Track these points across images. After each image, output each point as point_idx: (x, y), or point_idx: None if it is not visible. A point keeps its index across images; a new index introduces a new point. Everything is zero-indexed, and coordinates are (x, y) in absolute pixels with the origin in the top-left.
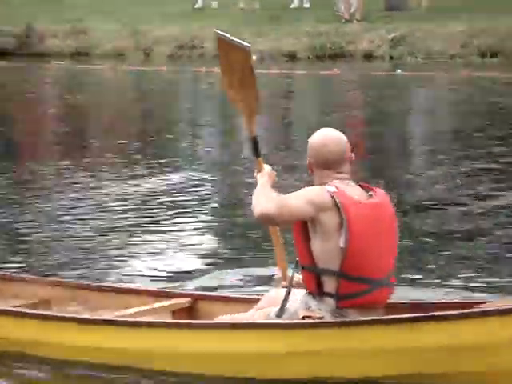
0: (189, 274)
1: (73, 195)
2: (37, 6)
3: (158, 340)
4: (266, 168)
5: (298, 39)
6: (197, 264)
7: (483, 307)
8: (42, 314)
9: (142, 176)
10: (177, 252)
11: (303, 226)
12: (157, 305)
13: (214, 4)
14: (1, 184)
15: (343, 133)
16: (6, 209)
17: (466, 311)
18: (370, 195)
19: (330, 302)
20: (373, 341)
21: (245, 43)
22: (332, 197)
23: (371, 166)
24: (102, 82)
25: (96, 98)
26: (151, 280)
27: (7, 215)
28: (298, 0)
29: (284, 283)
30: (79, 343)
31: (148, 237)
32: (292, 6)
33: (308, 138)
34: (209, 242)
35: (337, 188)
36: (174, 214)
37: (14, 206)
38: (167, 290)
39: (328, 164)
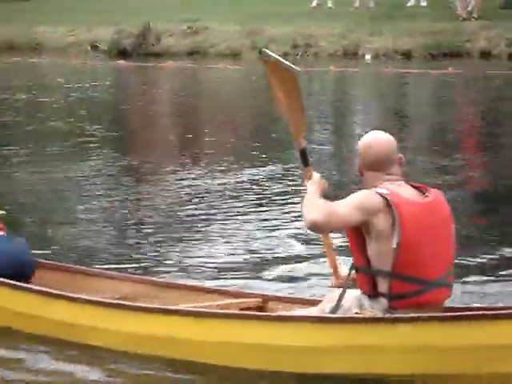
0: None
1: (184, 188)
2: (154, 7)
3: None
4: (315, 176)
5: (414, 37)
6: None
7: None
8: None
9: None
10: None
11: (357, 229)
12: (226, 302)
13: (330, 3)
14: (120, 174)
15: (454, 131)
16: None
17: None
18: (425, 195)
19: (383, 301)
20: (418, 337)
21: (294, 67)
22: (384, 198)
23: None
24: (216, 80)
25: (212, 96)
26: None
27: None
28: None
29: (335, 282)
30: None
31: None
32: (409, 4)
33: (419, 135)
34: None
35: (388, 189)
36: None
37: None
38: (237, 290)
39: (376, 165)
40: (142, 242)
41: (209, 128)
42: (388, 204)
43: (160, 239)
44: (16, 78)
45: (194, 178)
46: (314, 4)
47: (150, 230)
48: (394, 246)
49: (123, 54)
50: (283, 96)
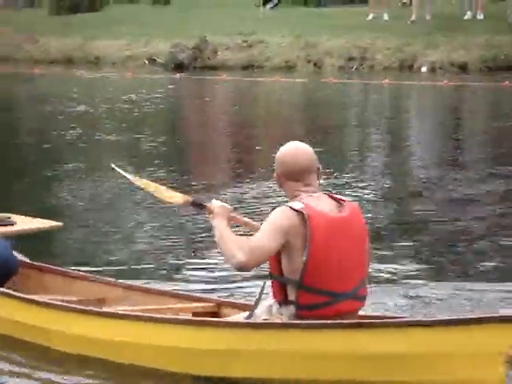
0: None
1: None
2: (210, 20)
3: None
4: (216, 205)
5: (470, 50)
6: None
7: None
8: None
9: None
10: None
11: None
12: (179, 306)
13: (386, 16)
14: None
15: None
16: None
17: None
18: (341, 208)
19: (292, 308)
20: (286, 344)
21: (132, 179)
22: (299, 212)
23: None
24: (272, 93)
25: (267, 109)
26: None
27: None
28: (472, 12)
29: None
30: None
31: None
32: (465, 17)
33: (477, 147)
34: None
35: (304, 203)
36: None
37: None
38: (192, 295)
39: (295, 175)
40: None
41: (266, 141)
42: (303, 218)
43: None
44: (74, 91)
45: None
46: (370, 17)
47: None
48: (304, 258)
49: (180, 67)
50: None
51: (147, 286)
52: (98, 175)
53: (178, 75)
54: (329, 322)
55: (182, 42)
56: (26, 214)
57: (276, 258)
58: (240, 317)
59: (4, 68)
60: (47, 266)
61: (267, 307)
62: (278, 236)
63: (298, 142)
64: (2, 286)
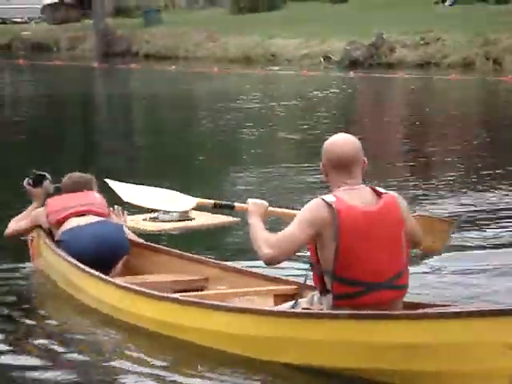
0: None
1: None
2: (386, 17)
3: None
4: (250, 203)
5: None
6: None
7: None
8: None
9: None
10: None
11: None
12: (262, 288)
13: None
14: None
15: None
16: None
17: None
18: (377, 200)
19: (329, 298)
20: (337, 334)
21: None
22: (329, 205)
23: None
24: (450, 91)
25: (446, 107)
26: None
27: None
28: None
29: None
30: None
31: None
32: None
33: None
34: None
35: (336, 196)
36: None
37: None
38: (274, 276)
39: (341, 165)
40: None
41: (443, 141)
42: (333, 211)
43: None
44: (252, 88)
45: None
46: None
47: None
48: (334, 250)
49: (355, 64)
50: None
51: (240, 267)
52: (270, 170)
53: (351, 73)
54: (357, 312)
55: (358, 39)
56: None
57: (314, 248)
58: (287, 305)
59: (185, 66)
60: (156, 245)
61: (310, 297)
62: (306, 227)
63: (343, 133)
64: (116, 264)
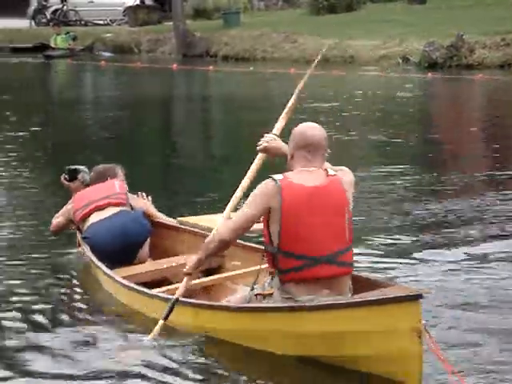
0: None
1: None
2: (466, 19)
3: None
4: (268, 138)
5: None
6: None
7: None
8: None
9: None
10: None
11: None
12: None
13: None
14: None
15: None
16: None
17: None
18: (324, 180)
19: (277, 280)
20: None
21: None
22: (276, 182)
23: None
24: None
25: None
26: None
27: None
28: None
29: None
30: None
31: None
32: None
33: None
34: None
35: (284, 175)
36: None
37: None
38: None
39: (305, 149)
40: None
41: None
42: (278, 188)
43: None
44: (328, 89)
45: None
46: None
47: None
48: (278, 224)
49: (434, 66)
50: None
51: (249, 243)
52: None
53: (430, 74)
54: (276, 305)
55: (437, 40)
56: None
57: (266, 228)
58: (246, 291)
59: (263, 67)
60: (182, 226)
61: (264, 282)
62: (255, 203)
63: (314, 123)
64: (138, 250)
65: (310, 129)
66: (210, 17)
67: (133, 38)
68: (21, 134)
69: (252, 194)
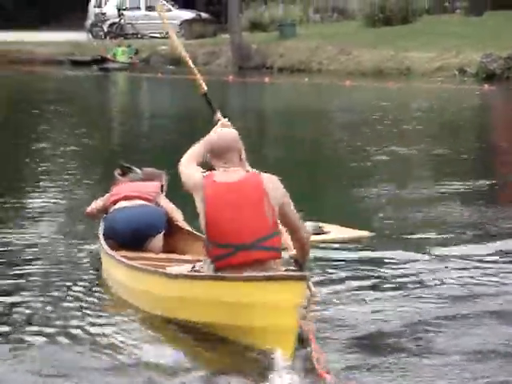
0: None
1: None
2: None
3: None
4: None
5: None
6: None
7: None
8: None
9: None
10: None
11: None
12: None
13: None
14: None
15: None
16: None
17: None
18: (242, 177)
19: (209, 262)
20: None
21: None
22: (202, 179)
23: None
24: None
25: None
26: None
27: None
28: None
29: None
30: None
31: None
32: None
33: None
34: None
35: (206, 175)
36: None
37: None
38: None
39: (219, 153)
40: None
41: None
42: (202, 183)
43: None
44: (382, 101)
45: None
46: None
47: None
48: (203, 217)
49: (491, 77)
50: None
51: None
52: (402, 189)
53: (486, 86)
54: (194, 274)
55: (495, 52)
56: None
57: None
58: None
59: (319, 79)
60: (190, 230)
61: (203, 264)
62: (193, 177)
63: (226, 128)
64: (148, 240)
65: (219, 136)
66: (266, 29)
67: (188, 50)
68: (86, 141)
69: (189, 170)
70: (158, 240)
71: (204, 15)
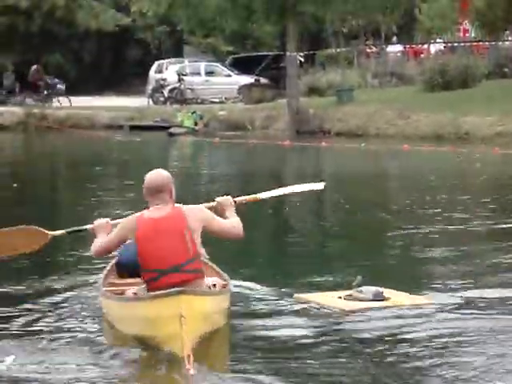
0: None
1: None
2: None
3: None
4: (95, 223)
5: None
6: None
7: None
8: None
9: None
10: None
11: None
12: None
13: None
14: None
15: None
16: None
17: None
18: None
19: (145, 289)
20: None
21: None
22: (135, 218)
23: None
24: None
25: None
26: None
27: None
28: None
29: None
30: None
31: None
32: None
33: None
34: None
35: (141, 213)
36: None
37: None
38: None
39: (151, 192)
40: None
41: None
42: (135, 221)
43: None
44: (441, 166)
45: None
46: None
47: None
48: (137, 248)
49: None
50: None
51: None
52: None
53: None
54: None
55: None
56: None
57: None
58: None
59: (376, 143)
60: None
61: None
62: (118, 232)
63: (159, 169)
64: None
65: (151, 177)
66: (323, 94)
67: (246, 114)
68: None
69: (119, 226)
70: None
71: (263, 80)
